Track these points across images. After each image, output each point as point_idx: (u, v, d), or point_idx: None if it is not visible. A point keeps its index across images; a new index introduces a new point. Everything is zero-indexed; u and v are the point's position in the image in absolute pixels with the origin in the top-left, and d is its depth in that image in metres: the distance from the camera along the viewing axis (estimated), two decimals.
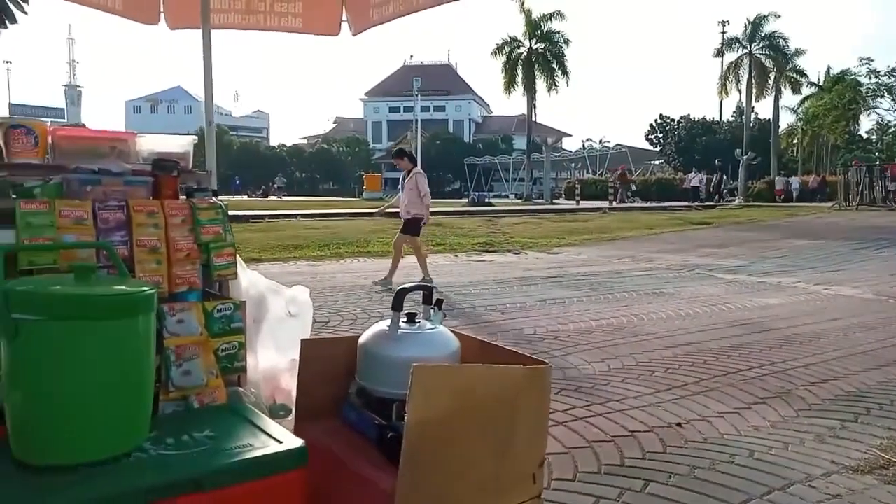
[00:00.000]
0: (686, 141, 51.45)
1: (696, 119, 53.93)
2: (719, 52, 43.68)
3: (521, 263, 9.48)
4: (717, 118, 53.28)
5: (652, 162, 48.66)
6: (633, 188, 32.93)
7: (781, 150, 44.38)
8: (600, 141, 57.22)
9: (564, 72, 39.62)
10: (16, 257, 1.72)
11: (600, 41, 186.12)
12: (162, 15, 3.41)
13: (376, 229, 13.49)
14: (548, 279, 7.82)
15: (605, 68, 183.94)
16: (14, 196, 1.87)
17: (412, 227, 7.48)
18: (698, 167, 34.97)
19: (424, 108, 61.93)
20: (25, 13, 1.97)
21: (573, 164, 52.69)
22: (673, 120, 56.32)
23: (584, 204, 27.10)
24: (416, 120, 45.51)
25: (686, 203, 27.52)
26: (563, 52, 39.60)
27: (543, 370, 1.68)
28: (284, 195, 41.20)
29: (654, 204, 28.48)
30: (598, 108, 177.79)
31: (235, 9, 3.39)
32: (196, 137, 2.35)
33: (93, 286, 1.50)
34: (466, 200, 33.04)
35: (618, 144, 49.88)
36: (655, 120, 58.00)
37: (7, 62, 68.87)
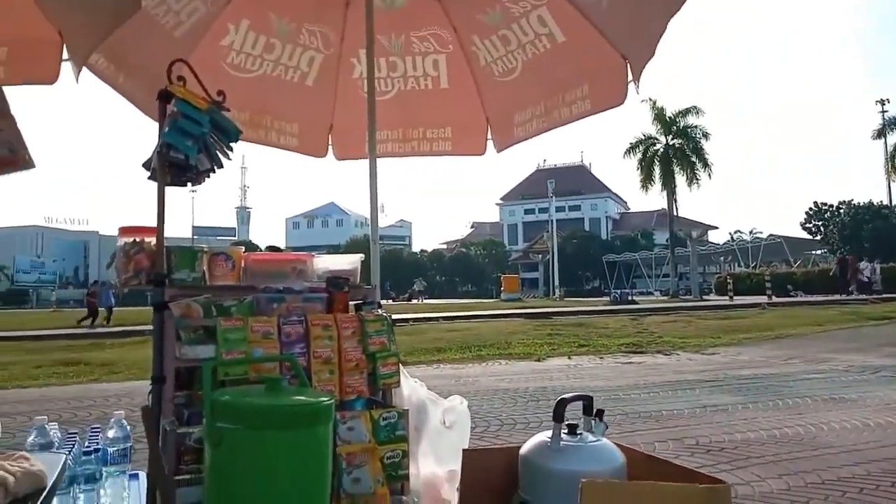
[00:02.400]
0: (851, 228, 47.10)
1: (861, 204, 49.47)
2: (880, 134, 40.54)
3: (673, 365, 8.92)
4: (885, 201, 48.58)
5: (813, 252, 44.87)
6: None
7: None
8: (750, 232, 54.09)
9: (705, 165, 38.52)
10: (215, 369, 1.96)
11: (743, 130, 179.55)
12: (330, 148, 3.87)
13: (517, 331, 13.46)
14: (705, 382, 7.27)
15: (750, 157, 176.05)
16: (215, 314, 2.16)
17: None
18: (869, 256, 31.56)
19: (559, 209, 62.57)
20: (230, 159, 2.34)
21: (722, 258, 49.92)
22: (831, 206, 52.11)
23: (738, 299, 25.27)
24: (552, 220, 45.98)
25: (861, 296, 24.75)
26: (701, 146, 38.72)
27: (722, 490, 1.57)
28: (425, 298, 42.63)
29: (819, 298, 25.91)
30: (745, 198, 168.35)
31: (392, 139, 3.76)
32: (363, 255, 2.58)
33: (281, 397, 1.66)
34: (608, 299, 32.10)
35: (771, 235, 46.74)
36: (811, 207, 54.06)
37: (193, 191, 79.80)
